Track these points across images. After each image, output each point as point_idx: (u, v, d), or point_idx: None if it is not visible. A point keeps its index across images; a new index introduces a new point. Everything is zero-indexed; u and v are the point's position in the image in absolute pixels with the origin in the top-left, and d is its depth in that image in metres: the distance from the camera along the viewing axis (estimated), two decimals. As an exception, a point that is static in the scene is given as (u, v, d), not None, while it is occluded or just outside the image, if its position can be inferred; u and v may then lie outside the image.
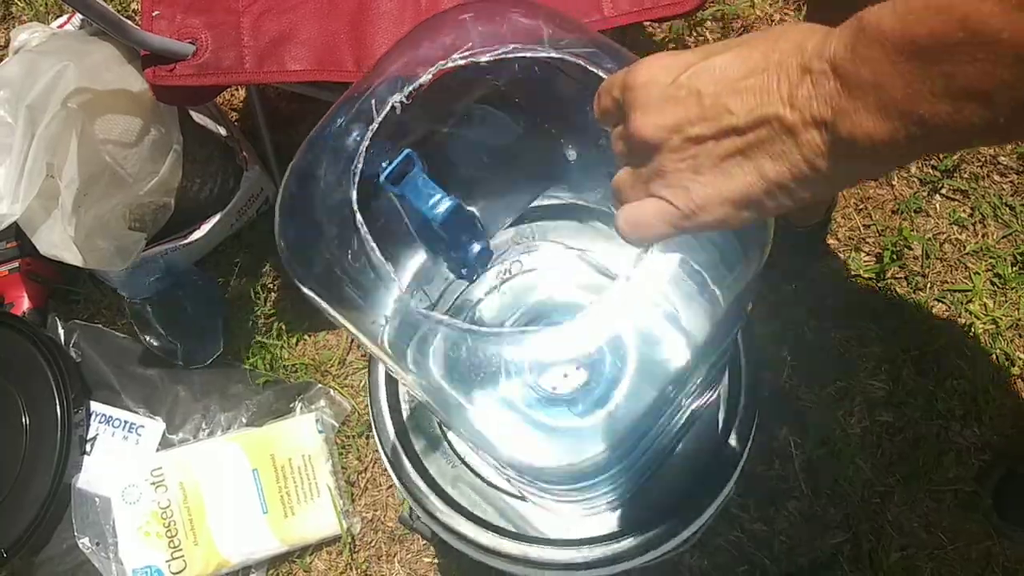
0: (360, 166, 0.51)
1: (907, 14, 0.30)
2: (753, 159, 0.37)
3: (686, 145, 0.38)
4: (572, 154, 0.59)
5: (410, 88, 0.52)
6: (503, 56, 0.52)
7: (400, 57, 0.55)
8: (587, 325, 0.47)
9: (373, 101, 0.53)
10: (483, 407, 0.52)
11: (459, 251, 0.52)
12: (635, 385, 0.59)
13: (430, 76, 0.53)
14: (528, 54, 0.52)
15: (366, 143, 0.51)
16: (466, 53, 0.53)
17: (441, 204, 0.48)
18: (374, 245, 0.48)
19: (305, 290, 0.52)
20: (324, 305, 0.52)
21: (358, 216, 0.49)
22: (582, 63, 0.51)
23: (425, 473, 0.72)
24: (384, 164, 0.49)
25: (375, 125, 0.52)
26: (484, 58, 0.52)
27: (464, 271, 0.54)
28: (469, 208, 0.50)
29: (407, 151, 0.49)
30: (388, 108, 0.52)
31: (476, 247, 0.52)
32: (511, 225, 0.68)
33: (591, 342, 0.49)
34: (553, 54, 0.52)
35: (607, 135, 0.43)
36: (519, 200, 0.64)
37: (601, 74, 0.50)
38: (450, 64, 0.53)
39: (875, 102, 0.32)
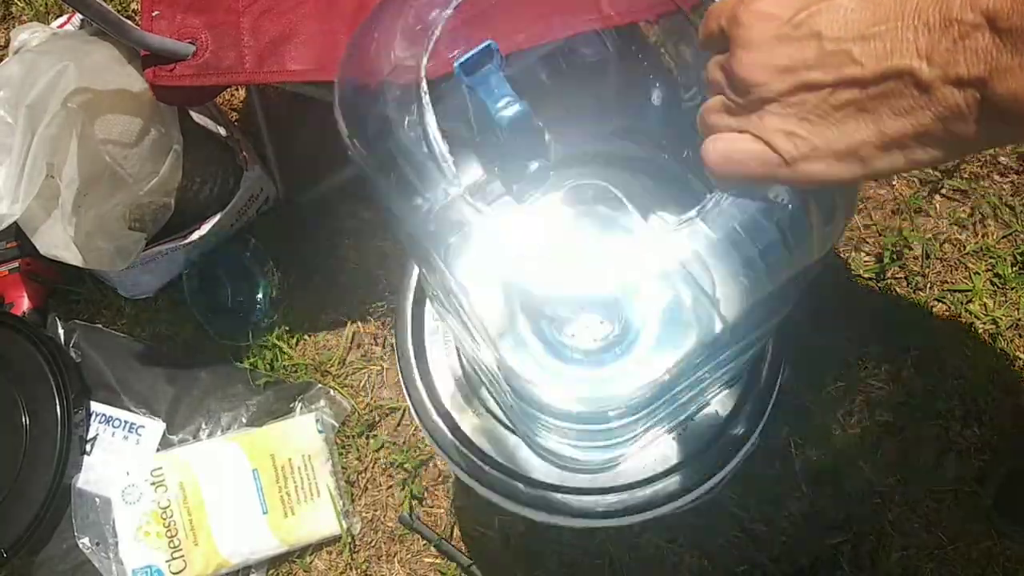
0: (436, 34, 0.47)
1: None
2: (873, 113, 0.34)
3: (797, 90, 0.36)
4: (657, 96, 0.55)
5: None
6: None
7: None
8: (605, 270, 0.44)
9: None
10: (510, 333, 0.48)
11: (516, 164, 0.49)
12: (654, 348, 0.55)
13: None
14: None
15: (448, 12, 0.48)
16: None
17: (510, 107, 0.45)
18: (435, 124, 0.45)
19: (351, 153, 0.50)
20: (370, 173, 0.49)
21: (424, 85, 0.46)
22: None
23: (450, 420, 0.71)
24: (462, 50, 0.46)
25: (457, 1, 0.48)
26: None
27: (515, 187, 0.51)
28: (538, 122, 0.47)
29: (489, 42, 0.46)
30: None
31: (535, 164, 0.49)
32: (573, 155, 0.63)
33: (607, 287, 0.46)
34: None
35: (698, 92, 0.40)
36: (592, 129, 0.60)
37: None
38: None
39: None
